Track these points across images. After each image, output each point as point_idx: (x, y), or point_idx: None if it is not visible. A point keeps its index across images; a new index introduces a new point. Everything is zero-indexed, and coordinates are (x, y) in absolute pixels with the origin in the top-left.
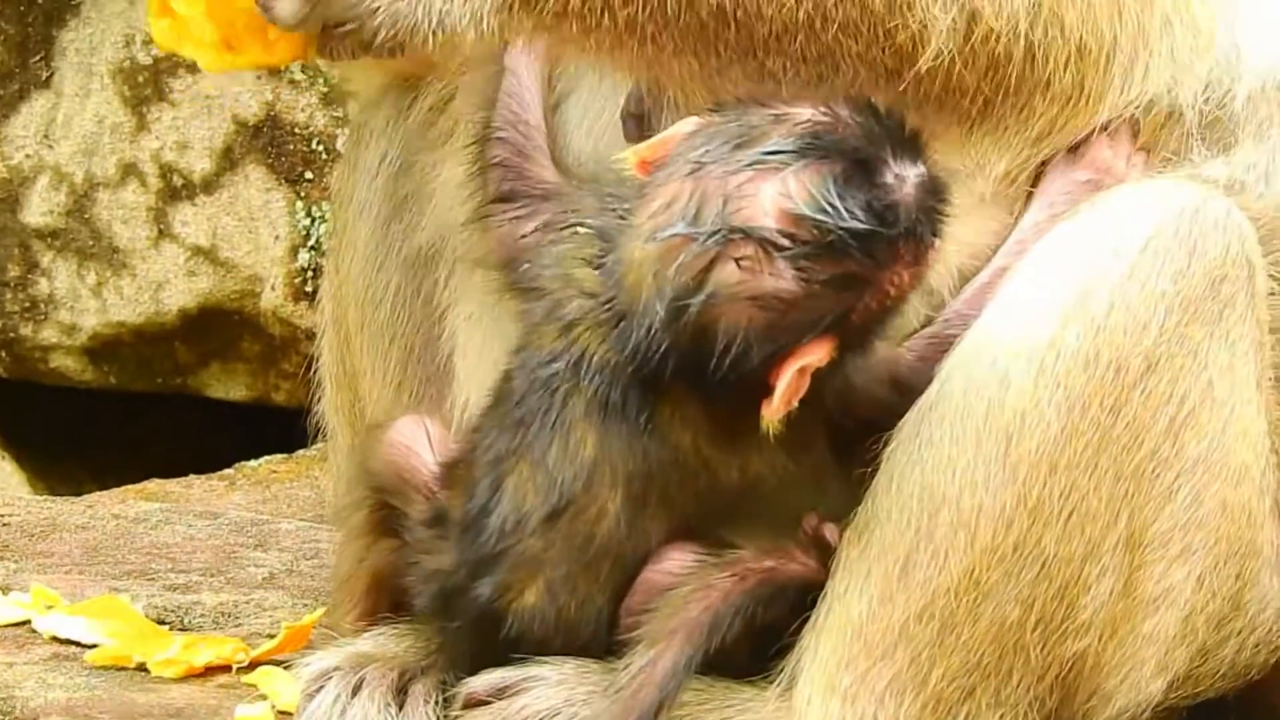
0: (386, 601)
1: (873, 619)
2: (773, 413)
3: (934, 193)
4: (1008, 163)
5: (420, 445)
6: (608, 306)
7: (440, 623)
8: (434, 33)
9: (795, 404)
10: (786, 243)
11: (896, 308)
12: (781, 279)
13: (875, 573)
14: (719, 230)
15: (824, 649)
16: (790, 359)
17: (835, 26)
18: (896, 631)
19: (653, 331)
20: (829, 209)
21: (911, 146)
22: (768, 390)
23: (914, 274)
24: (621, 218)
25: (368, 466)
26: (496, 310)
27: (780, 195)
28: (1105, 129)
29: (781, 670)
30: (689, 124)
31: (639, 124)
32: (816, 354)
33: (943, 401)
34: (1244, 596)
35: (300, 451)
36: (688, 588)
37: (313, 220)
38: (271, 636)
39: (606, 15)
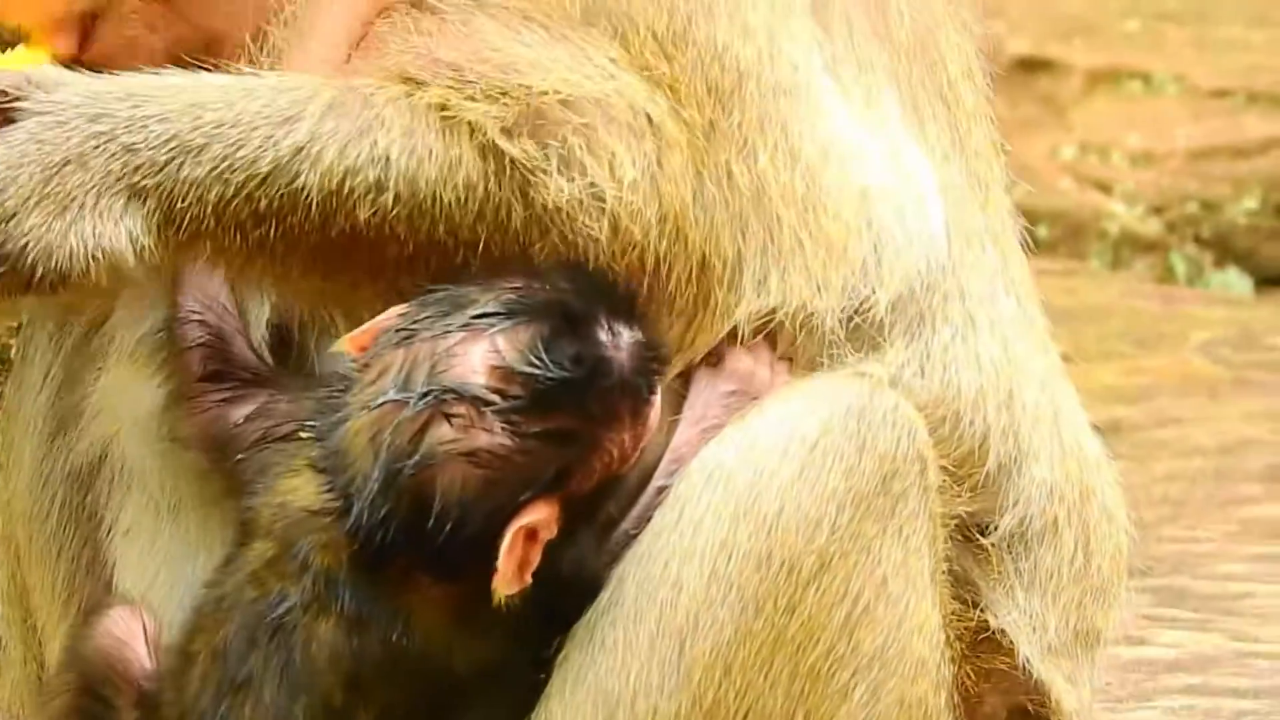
0: None
1: None
2: (504, 581)
3: (649, 353)
4: None
5: (135, 639)
6: (330, 491)
7: None
8: (94, 258)
9: (529, 578)
10: (497, 398)
11: (619, 474)
12: (494, 435)
13: None
14: (429, 392)
15: None
16: (513, 520)
17: (469, 250)
18: None
19: (374, 501)
20: (538, 361)
21: (626, 309)
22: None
23: (634, 436)
24: (337, 400)
25: (77, 651)
26: (152, 525)
27: (489, 353)
28: (743, 340)
29: None
30: (400, 308)
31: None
32: (538, 514)
33: (616, 605)
34: None
35: None
36: None
37: None
38: None
39: (239, 235)
